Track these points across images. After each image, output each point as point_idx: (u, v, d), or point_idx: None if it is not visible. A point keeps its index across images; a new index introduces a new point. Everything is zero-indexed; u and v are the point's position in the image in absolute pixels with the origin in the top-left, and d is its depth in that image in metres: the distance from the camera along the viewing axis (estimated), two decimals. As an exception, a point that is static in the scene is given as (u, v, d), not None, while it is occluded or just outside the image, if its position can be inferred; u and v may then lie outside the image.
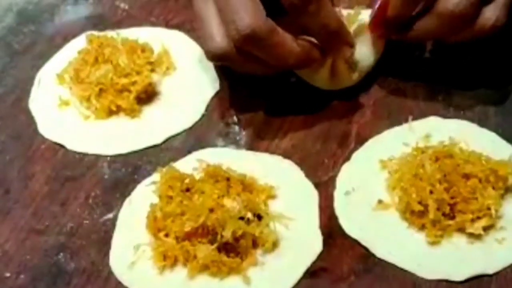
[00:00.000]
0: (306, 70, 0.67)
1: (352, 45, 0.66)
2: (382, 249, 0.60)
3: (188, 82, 0.73)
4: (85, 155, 0.69)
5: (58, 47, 0.77)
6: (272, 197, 0.63)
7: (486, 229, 0.59)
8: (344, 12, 0.70)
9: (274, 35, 0.61)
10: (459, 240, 0.59)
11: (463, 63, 0.71)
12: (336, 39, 0.65)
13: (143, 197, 0.64)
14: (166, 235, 0.60)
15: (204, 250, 0.58)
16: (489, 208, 0.59)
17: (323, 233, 0.61)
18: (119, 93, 0.70)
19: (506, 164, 0.62)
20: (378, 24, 0.67)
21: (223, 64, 0.68)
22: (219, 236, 0.58)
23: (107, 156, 0.68)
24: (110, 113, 0.71)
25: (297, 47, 0.63)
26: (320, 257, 0.59)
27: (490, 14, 0.64)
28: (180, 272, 0.59)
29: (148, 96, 0.71)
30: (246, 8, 0.60)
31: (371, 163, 0.65)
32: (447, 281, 0.57)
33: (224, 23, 0.62)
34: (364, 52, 0.68)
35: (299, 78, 0.69)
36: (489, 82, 0.70)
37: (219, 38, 0.62)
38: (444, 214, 0.60)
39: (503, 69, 0.71)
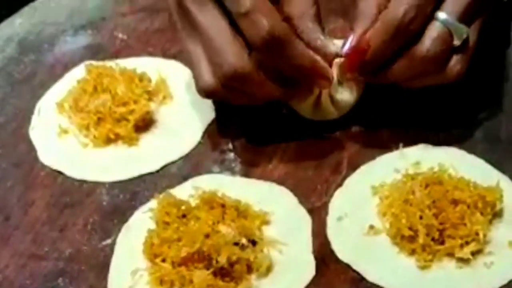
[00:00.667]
0: (306, 105, 0.69)
1: (329, 79, 0.67)
2: (373, 274, 0.61)
3: (185, 111, 0.74)
4: (84, 182, 0.69)
5: (58, 76, 0.78)
6: (266, 222, 0.64)
7: (475, 253, 0.60)
8: (339, 42, 0.70)
9: (257, 73, 0.64)
10: (448, 264, 0.60)
11: (451, 91, 0.71)
12: (312, 76, 0.66)
13: (141, 223, 0.64)
14: (163, 260, 0.61)
15: (200, 275, 0.59)
16: (477, 233, 0.60)
17: (316, 258, 0.61)
18: (117, 122, 0.71)
19: (494, 190, 0.62)
20: (352, 66, 0.67)
21: (214, 99, 0.71)
22: (214, 261, 0.59)
23: (105, 183, 0.69)
24: (109, 141, 0.71)
25: (278, 84, 0.65)
26: (313, 281, 0.60)
27: (457, 62, 0.65)
28: (177, 297, 0.60)
29: (145, 124, 0.72)
30: (229, 49, 0.63)
31: (363, 189, 0.66)
32: (437, 304, 0.58)
33: (210, 63, 0.64)
34: (345, 88, 0.68)
35: (291, 108, 0.70)
36: (477, 110, 0.71)
37: (207, 77, 0.65)
38: (433, 239, 0.60)
39: (490, 97, 0.72)
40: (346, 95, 0.69)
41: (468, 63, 0.67)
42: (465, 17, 0.65)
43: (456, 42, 0.65)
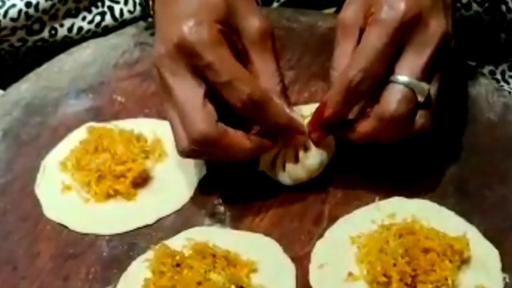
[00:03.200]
0: (267, 167, 0.72)
1: (304, 133, 0.69)
2: (352, 317, 0.63)
3: (178, 168, 0.75)
4: (85, 234, 0.71)
5: (61, 137, 0.79)
6: (254, 270, 0.66)
7: (445, 298, 0.62)
8: (307, 108, 0.73)
9: (224, 138, 0.66)
10: (421, 307, 0.63)
11: (423, 148, 0.75)
12: (287, 132, 0.69)
13: (138, 272, 0.66)
14: (159, 307, 0.63)
15: (194, 321, 0.61)
16: (446, 279, 0.63)
17: (300, 303, 0.64)
18: (116, 179, 0.73)
19: (461, 239, 0.65)
20: (314, 125, 0.70)
21: (193, 158, 0.73)
22: (206, 307, 0.61)
23: (105, 235, 0.71)
24: (108, 196, 0.73)
25: (248, 144, 0.68)
26: (297, 324, 0.63)
27: (421, 116, 0.68)
28: None
29: (142, 181, 0.74)
30: (197, 116, 0.65)
31: (342, 239, 0.68)
32: None
33: (183, 128, 0.67)
34: (314, 151, 0.71)
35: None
36: (448, 165, 0.74)
37: (183, 140, 0.67)
38: (406, 285, 0.63)
39: (459, 153, 0.75)
40: (316, 155, 0.71)
41: (432, 115, 0.68)
42: (425, 75, 0.67)
43: (420, 99, 0.67)
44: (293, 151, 0.71)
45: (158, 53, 0.68)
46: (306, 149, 0.71)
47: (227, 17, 0.68)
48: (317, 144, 0.71)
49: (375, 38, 0.67)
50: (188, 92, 0.66)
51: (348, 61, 0.69)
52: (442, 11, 0.69)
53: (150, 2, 0.77)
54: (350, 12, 0.70)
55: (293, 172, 0.72)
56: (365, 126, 0.69)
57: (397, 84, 0.67)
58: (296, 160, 0.71)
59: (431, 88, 0.68)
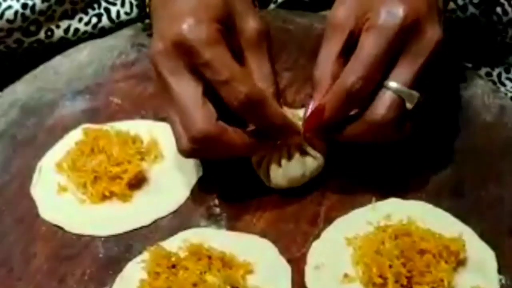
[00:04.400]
0: (255, 165, 0.72)
1: (299, 133, 0.70)
2: (348, 318, 0.63)
3: (174, 169, 0.75)
4: (81, 236, 0.71)
5: (58, 138, 0.79)
6: (250, 272, 0.66)
7: (441, 299, 0.63)
8: (301, 111, 0.72)
9: (225, 135, 0.66)
10: (416, 308, 0.63)
11: (420, 149, 0.75)
12: (283, 132, 0.69)
13: (134, 273, 0.66)
14: (155, 308, 0.63)
15: (189, 322, 0.61)
16: (442, 280, 0.63)
17: (296, 304, 0.64)
18: (112, 180, 0.73)
19: (457, 241, 0.65)
20: (310, 127, 0.70)
21: (194, 158, 0.73)
22: (202, 308, 0.61)
23: (101, 236, 0.71)
24: (104, 198, 0.73)
25: (247, 140, 0.68)
26: (293, 325, 0.63)
27: (407, 124, 0.68)
28: None
29: (138, 182, 0.74)
30: (197, 114, 0.66)
31: (338, 240, 0.68)
32: None
33: (183, 126, 0.67)
34: (297, 162, 0.71)
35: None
36: (444, 166, 0.74)
37: (183, 140, 0.67)
38: (402, 286, 0.63)
39: (456, 156, 0.75)
40: (293, 171, 0.71)
41: (418, 122, 0.69)
42: (415, 84, 0.67)
43: (409, 106, 0.67)
44: (278, 156, 0.72)
45: (155, 50, 0.68)
46: (289, 157, 0.71)
47: (226, 17, 0.69)
48: (313, 147, 0.71)
49: (374, 45, 0.67)
50: (187, 90, 0.67)
51: (334, 63, 0.69)
52: (436, 17, 0.69)
53: (147, 1, 0.77)
54: (341, 12, 0.70)
55: (274, 178, 0.72)
56: (353, 129, 0.69)
57: (388, 90, 0.67)
58: (280, 165, 0.72)
59: (421, 96, 0.68)
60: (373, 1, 0.69)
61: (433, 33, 0.68)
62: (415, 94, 0.67)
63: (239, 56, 0.69)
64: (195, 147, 0.67)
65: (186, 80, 0.67)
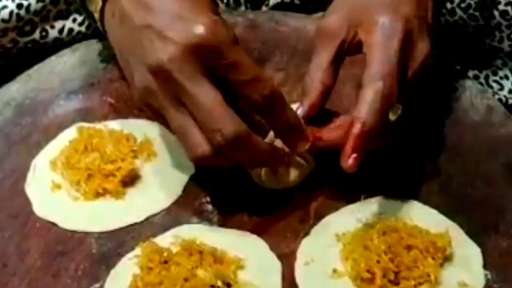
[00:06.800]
0: (253, 173, 0.72)
1: (308, 140, 0.69)
2: (337, 312, 0.64)
3: (167, 167, 0.76)
4: (75, 232, 0.71)
5: (52, 137, 0.79)
6: (241, 267, 0.67)
7: (428, 293, 0.64)
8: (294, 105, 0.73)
9: (252, 138, 0.65)
10: (404, 303, 0.64)
11: (408, 148, 0.76)
12: (296, 134, 0.69)
13: (127, 268, 0.67)
14: (147, 302, 0.64)
15: (180, 316, 0.62)
16: (429, 275, 0.64)
17: (286, 300, 0.65)
18: (105, 178, 0.73)
19: (444, 237, 0.67)
20: (360, 145, 0.67)
21: (206, 165, 0.69)
22: (193, 302, 0.62)
23: (94, 233, 0.71)
24: (98, 195, 0.73)
25: (268, 147, 0.68)
26: (283, 320, 0.64)
27: (389, 135, 0.70)
28: (159, 336, 0.63)
29: (131, 179, 0.74)
30: (227, 116, 0.64)
31: (328, 237, 0.69)
32: None
33: (206, 132, 0.64)
34: (300, 160, 0.72)
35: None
36: (432, 165, 0.75)
37: (204, 146, 0.65)
38: (390, 281, 0.64)
39: (443, 153, 0.76)
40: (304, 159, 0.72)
41: (399, 133, 0.71)
42: (401, 97, 0.67)
43: (392, 117, 0.68)
44: None
45: (166, 56, 0.64)
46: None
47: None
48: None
49: (389, 57, 0.67)
50: (210, 94, 0.64)
51: (324, 71, 0.70)
52: (426, 31, 0.70)
53: (97, 16, 0.76)
54: (333, 22, 0.71)
55: (265, 180, 0.73)
56: (332, 136, 0.70)
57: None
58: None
59: (404, 108, 0.69)
60: (365, 11, 0.70)
61: (423, 46, 0.69)
62: (399, 106, 0.69)
63: None
64: (221, 152, 0.65)
65: (207, 84, 0.64)
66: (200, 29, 0.64)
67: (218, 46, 0.64)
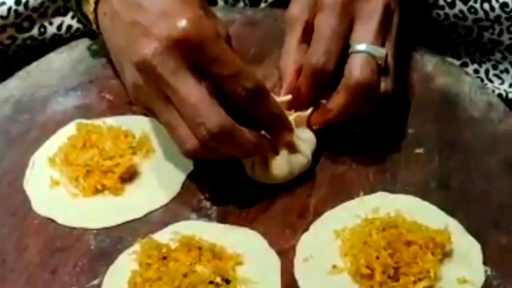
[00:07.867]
0: (248, 168, 0.73)
1: (291, 130, 0.71)
2: (336, 308, 0.64)
3: (165, 164, 0.76)
4: (73, 228, 0.71)
5: (50, 133, 0.79)
6: (240, 263, 0.67)
7: (427, 289, 0.64)
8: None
9: (236, 130, 0.66)
10: (403, 299, 0.64)
11: (408, 144, 0.76)
12: (279, 124, 0.71)
13: (125, 264, 0.67)
14: (146, 298, 0.64)
15: (179, 311, 0.62)
16: (428, 271, 0.64)
17: (285, 296, 0.65)
18: (104, 174, 0.73)
19: (443, 233, 0.66)
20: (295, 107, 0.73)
21: (199, 158, 0.72)
22: (192, 298, 0.62)
23: (93, 229, 0.71)
24: (96, 191, 0.73)
25: (252, 137, 0.69)
26: (282, 316, 0.64)
27: (384, 82, 0.72)
28: (158, 332, 0.63)
29: (130, 176, 0.75)
30: (211, 110, 0.65)
31: (327, 233, 0.69)
32: (393, 337, 0.61)
33: (191, 126, 0.65)
34: (282, 160, 0.73)
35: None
36: (432, 161, 0.75)
37: (189, 140, 0.66)
38: (389, 277, 0.64)
39: (443, 151, 0.76)
40: (276, 169, 0.73)
41: (393, 79, 0.73)
42: (378, 41, 0.72)
43: (380, 62, 0.71)
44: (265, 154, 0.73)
45: (150, 52, 0.65)
46: (277, 154, 0.73)
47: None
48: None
49: (325, 21, 0.72)
50: (194, 88, 0.65)
51: (295, 51, 0.74)
52: None
53: (92, 17, 0.77)
54: (294, 9, 0.76)
55: (260, 175, 0.73)
56: (337, 101, 0.72)
57: (356, 53, 0.71)
58: (266, 163, 0.73)
59: (388, 53, 0.73)
60: None
61: None
62: (382, 50, 0.72)
63: None
64: (207, 145, 0.66)
65: (191, 79, 0.65)
66: (182, 24, 0.65)
67: (200, 41, 0.65)
